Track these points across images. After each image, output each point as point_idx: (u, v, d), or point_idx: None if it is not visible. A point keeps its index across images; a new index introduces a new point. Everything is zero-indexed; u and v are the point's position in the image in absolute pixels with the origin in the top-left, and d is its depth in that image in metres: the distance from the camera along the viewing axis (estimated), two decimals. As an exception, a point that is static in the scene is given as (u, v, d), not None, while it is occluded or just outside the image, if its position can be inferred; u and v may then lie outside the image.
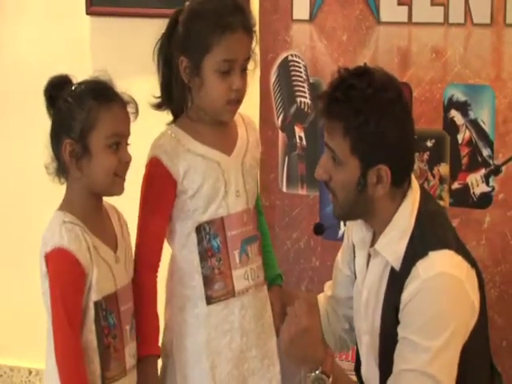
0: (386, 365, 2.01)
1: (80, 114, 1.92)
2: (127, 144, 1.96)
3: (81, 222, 1.92)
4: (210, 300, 2.03)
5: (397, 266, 1.98)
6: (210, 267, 2.02)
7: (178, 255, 2.05)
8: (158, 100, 2.06)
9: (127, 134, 1.96)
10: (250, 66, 2.04)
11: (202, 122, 2.03)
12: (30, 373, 3.28)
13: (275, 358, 2.12)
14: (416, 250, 1.96)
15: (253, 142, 2.11)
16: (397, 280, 1.97)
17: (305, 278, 2.77)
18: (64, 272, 1.90)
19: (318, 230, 2.26)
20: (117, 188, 1.95)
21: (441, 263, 1.95)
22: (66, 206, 1.95)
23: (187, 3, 2.06)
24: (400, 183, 1.99)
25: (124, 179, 1.96)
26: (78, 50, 3.04)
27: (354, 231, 2.15)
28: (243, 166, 2.06)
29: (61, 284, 1.90)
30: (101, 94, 1.93)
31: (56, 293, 1.89)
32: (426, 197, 2.05)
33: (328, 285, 2.29)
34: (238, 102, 2.01)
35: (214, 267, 2.02)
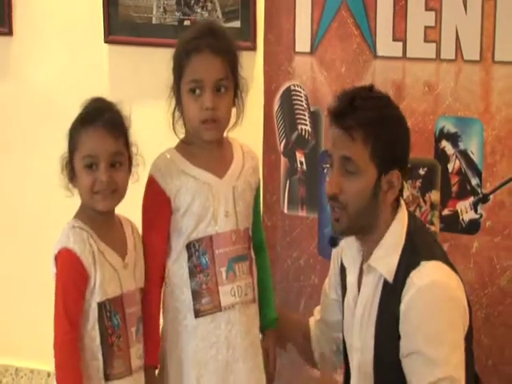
0: (381, 380, 2.05)
1: (71, 136, 2.02)
2: (116, 163, 2.00)
3: (89, 229, 2.01)
4: (198, 313, 2.07)
5: (390, 278, 2.02)
6: (198, 282, 2.07)
7: (170, 269, 2.10)
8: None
9: (105, 154, 1.99)
10: (239, 92, 2.07)
11: (196, 145, 2.09)
12: (49, 375, 3.31)
13: (262, 372, 2.15)
14: (408, 261, 2.01)
15: (248, 169, 2.14)
16: (392, 293, 2.02)
17: (304, 295, 2.79)
18: (67, 270, 1.99)
19: (333, 242, 2.25)
20: (97, 204, 2.02)
21: (433, 272, 2.00)
22: (79, 214, 2.05)
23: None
24: (402, 192, 2.08)
25: (109, 196, 2.00)
26: (96, 77, 3.09)
27: (343, 254, 2.19)
28: (235, 189, 2.10)
29: (63, 280, 1.99)
30: (84, 117, 2.02)
31: (58, 289, 1.98)
32: (411, 215, 2.12)
33: (317, 309, 2.34)
34: (214, 121, 2.04)
35: (202, 282, 2.07)
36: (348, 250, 2.15)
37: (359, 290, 2.11)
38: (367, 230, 2.08)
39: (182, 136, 2.13)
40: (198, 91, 2.02)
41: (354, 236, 2.12)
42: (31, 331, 3.28)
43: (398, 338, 2.00)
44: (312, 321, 2.32)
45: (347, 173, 2.02)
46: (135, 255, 2.07)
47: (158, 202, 2.07)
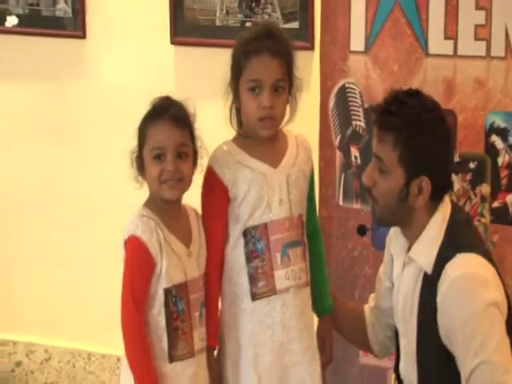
0: (423, 363, 2.11)
1: (140, 131, 2.11)
2: (182, 154, 2.07)
3: (157, 218, 2.08)
4: (254, 296, 2.14)
5: (429, 270, 2.07)
6: (254, 267, 2.14)
7: (228, 256, 2.17)
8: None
9: (171, 146, 2.07)
10: (295, 90, 2.13)
11: (252, 138, 2.16)
12: (118, 360, 3.36)
13: (316, 353, 2.21)
14: (445, 254, 2.05)
15: (302, 158, 2.21)
16: (430, 284, 2.06)
17: (358, 285, 2.84)
18: (134, 257, 2.07)
19: (362, 231, 2.35)
20: (164, 193, 2.09)
21: (467, 263, 2.03)
22: (147, 203, 2.13)
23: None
24: (437, 197, 2.09)
25: (175, 185, 2.07)
26: (163, 76, 3.17)
27: (392, 244, 2.25)
28: (289, 178, 2.16)
29: (130, 266, 2.07)
30: (152, 112, 2.10)
31: (126, 273, 2.07)
32: (455, 209, 2.14)
33: (372, 296, 2.38)
34: (271, 118, 2.11)
35: (258, 267, 2.14)
36: (396, 239, 2.20)
37: None
38: (403, 225, 2.12)
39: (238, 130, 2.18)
40: (256, 90, 2.09)
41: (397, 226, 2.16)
42: (103, 318, 3.30)
43: (437, 325, 2.04)
44: (367, 308, 2.37)
45: (379, 170, 2.08)
46: (199, 243, 2.14)
47: (216, 192, 2.14)
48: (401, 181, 2.05)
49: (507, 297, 2.08)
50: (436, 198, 2.09)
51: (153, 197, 2.12)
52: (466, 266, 2.02)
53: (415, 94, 2.10)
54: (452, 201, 2.16)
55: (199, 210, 2.18)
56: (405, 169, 2.05)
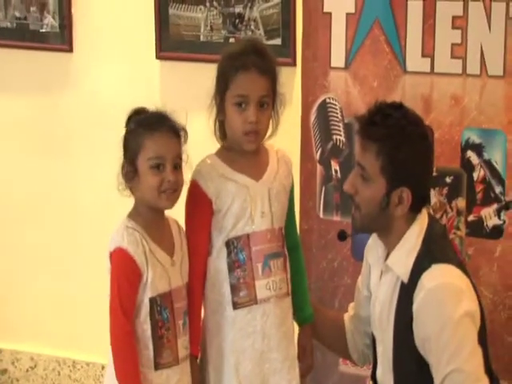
0: (399, 369, 2.15)
1: (132, 140, 2.11)
2: (177, 165, 2.10)
3: (141, 229, 2.10)
4: (236, 305, 2.17)
5: (406, 279, 2.10)
6: (236, 277, 2.17)
7: (211, 265, 2.20)
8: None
9: (170, 156, 2.09)
10: (277, 106, 2.17)
11: (236, 151, 2.19)
12: (103, 368, 3.38)
13: (295, 361, 2.24)
14: (422, 264, 2.09)
15: (283, 172, 2.24)
16: (406, 293, 2.09)
17: (338, 294, 2.87)
18: (121, 268, 2.08)
19: (342, 236, 2.38)
20: (163, 203, 2.11)
21: (443, 274, 2.07)
22: (131, 215, 2.14)
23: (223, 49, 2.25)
24: (416, 209, 2.13)
25: (171, 195, 2.10)
26: (149, 89, 3.19)
27: (370, 253, 2.29)
28: (270, 191, 2.20)
29: (118, 278, 2.08)
30: (148, 122, 2.12)
31: (114, 285, 2.08)
32: (432, 221, 2.18)
33: (351, 306, 2.42)
34: (256, 133, 2.15)
35: (239, 277, 2.17)
36: (373, 248, 2.24)
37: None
38: (382, 232, 2.16)
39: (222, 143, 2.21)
40: (243, 105, 2.12)
41: (375, 233, 2.20)
42: (88, 326, 3.38)
43: (413, 333, 2.08)
44: (346, 316, 2.40)
45: (362, 178, 2.11)
46: (181, 253, 2.17)
47: (200, 204, 2.17)
48: (382, 190, 2.09)
49: (481, 307, 2.12)
50: (415, 209, 2.13)
51: (138, 207, 2.13)
52: (442, 276, 2.06)
53: (399, 107, 2.14)
54: (429, 213, 2.20)
55: (181, 221, 2.20)
56: (386, 179, 2.08)
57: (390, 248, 2.16)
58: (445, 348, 2.02)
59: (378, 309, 2.20)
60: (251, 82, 2.12)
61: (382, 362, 2.20)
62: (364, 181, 2.10)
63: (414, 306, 2.05)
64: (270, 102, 2.16)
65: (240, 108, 2.12)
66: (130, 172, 2.10)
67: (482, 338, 2.10)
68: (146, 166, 2.09)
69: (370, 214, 2.12)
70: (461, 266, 2.13)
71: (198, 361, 2.23)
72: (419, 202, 2.13)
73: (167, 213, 2.18)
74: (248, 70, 2.11)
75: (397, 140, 2.06)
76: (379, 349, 2.22)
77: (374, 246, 2.25)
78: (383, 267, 2.18)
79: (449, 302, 2.04)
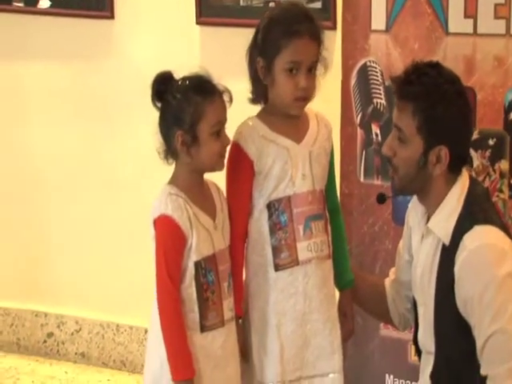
0: (440, 331, 2.12)
1: (188, 108, 2.08)
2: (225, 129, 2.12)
3: (184, 194, 2.10)
4: (277, 267, 2.17)
5: (447, 241, 2.08)
6: (277, 239, 2.16)
7: (252, 228, 2.20)
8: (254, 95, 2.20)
9: (226, 120, 2.12)
10: (320, 70, 2.15)
11: (276, 114, 2.18)
12: (146, 331, 3.24)
13: (337, 323, 2.23)
14: (463, 226, 2.06)
15: (323, 135, 2.23)
16: (448, 255, 2.07)
17: (379, 259, 2.84)
18: (167, 235, 2.09)
19: (381, 198, 2.35)
20: (220, 166, 2.14)
21: (485, 235, 2.04)
22: (173, 181, 2.14)
23: (267, 13, 2.22)
24: (455, 169, 2.10)
25: (225, 158, 2.13)
26: (189, 55, 3.18)
27: (410, 216, 2.26)
28: (311, 154, 2.19)
29: (164, 245, 2.08)
30: (203, 89, 2.10)
31: (160, 252, 2.09)
32: (473, 183, 2.15)
33: (392, 270, 2.40)
34: (305, 99, 2.15)
35: (281, 239, 2.16)
36: (414, 211, 2.22)
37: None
38: (422, 194, 2.13)
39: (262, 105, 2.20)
40: (294, 71, 2.11)
41: (416, 196, 2.17)
42: (131, 290, 3.41)
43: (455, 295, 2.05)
44: (387, 281, 2.38)
45: (399, 140, 2.09)
46: (223, 216, 2.17)
47: (241, 165, 2.16)
48: (419, 149, 2.06)
49: None
50: (454, 170, 2.10)
51: (180, 173, 2.12)
52: (484, 237, 2.03)
53: (435, 66, 2.11)
54: (470, 175, 2.17)
55: (221, 184, 2.20)
56: (423, 138, 2.06)
57: (430, 211, 2.13)
58: (487, 308, 1.99)
59: (419, 271, 2.17)
60: (304, 49, 2.11)
61: (424, 324, 2.19)
62: (401, 142, 2.08)
63: (456, 267, 2.03)
64: (317, 66, 2.15)
65: (291, 73, 2.11)
66: (188, 140, 2.08)
67: None
68: (209, 133, 2.08)
69: (408, 174, 2.09)
70: (504, 227, 2.09)
71: (241, 322, 2.23)
72: (458, 161, 2.10)
73: (206, 176, 2.18)
74: (302, 37, 2.10)
75: (433, 98, 2.04)
76: (420, 312, 2.20)
77: (414, 209, 2.22)
78: (424, 230, 2.15)
79: (491, 262, 2.01)
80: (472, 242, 2.02)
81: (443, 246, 2.09)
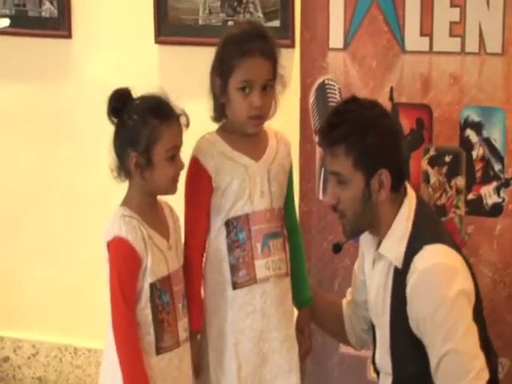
0: (396, 352, 2.12)
1: (144, 130, 2.05)
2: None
3: (138, 216, 2.07)
4: (235, 285, 2.15)
5: (399, 264, 2.07)
6: (235, 257, 2.14)
7: (210, 246, 2.18)
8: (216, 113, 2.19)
9: (181, 145, 2.10)
10: (277, 88, 2.14)
11: (235, 132, 2.17)
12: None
13: (294, 341, 2.21)
14: (413, 247, 2.05)
15: (282, 153, 2.22)
16: (400, 278, 2.06)
17: (338, 276, 2.84)
18: (121, 257, 2.05)
19: (336, 249, 2.34)
20: (173, 190, 2.11)
21: (434, 255, 2.04)
22: (126, 203, 2.11)
23: (224, 32, 2.21)
24: (397, 187, 2.10)
25: (178, 182, 2.10)
26: (148, 74, 3.16)
27: (362, 240, 2.26)
28: (270, 171, 2.18)
29: (118, 267, 2.05)
30: (161, 112, 2.07)
31: (114, 275, 2.05)
32: (420, 202, 2.15)
33: (349, 290, 2.39)
34: (260, 117, 2.14)
35: (239, 257, 2.14)
36: (365, 235, 2.20)
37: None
38: (373, 227, 2.13)
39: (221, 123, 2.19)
40: (247, 90, 2.10)
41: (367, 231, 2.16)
42: (89, 313, 3.35)
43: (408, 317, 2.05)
44: (344, 301, 2.38)
45: (339, 183, 2.09)
46: (176, 236, 2.15)
47: (200, 180, 2.14)
48: (361, 183, 2.07)
49: (475, 284, 2.09)
50: (397, 188, 2.09)
51: (133, 194, 2.09)
52: (433, 257, 2.03)
53: (353, 100, 2.13)
54: (417, 194, 2.17)
55: (175, 201, 2.17)
56: (362, 171, 2.06)
57: (381, 236, 2.13)
58: (440, 328, 1.99)
59: (372, 296, 2.17)
60: (256, 67, 2.10)
61: (380, 346, 2.18)
62: (342, 185, 2.08)
63: (408, 289, 2.03)
64: (273, 84, 2.14)
65: (244, 93, 2.10)
66: (142, 163, 2.05)
67: (478, 315, 2.08)
68: (163, 157, 2.05)
69: (356, 213, 2.09)
70: (453, 244, 2.09)
71: (198, 340, 2.20)
72: (398, 179, 2.10)
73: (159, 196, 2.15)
74: (253, 55, 2.09)
75: (360, 130, 2.05)
76: (377, 333, 2.20)
77: (366, 234, 2.21)
78: (375, 255, 2.15)
79: (441, 282, 2.01)
80: (422, 263, 2.01)
81: (395, 269, 2.08)
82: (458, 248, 2.10)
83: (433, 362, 2.02)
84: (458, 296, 2.00)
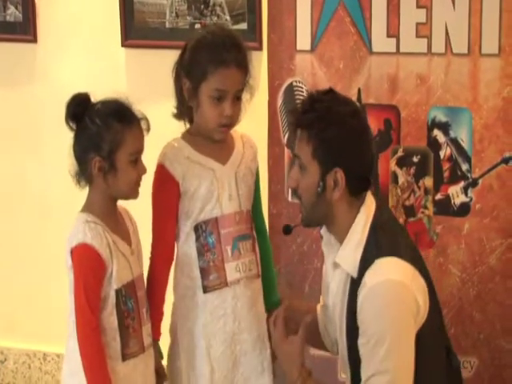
0: (353, 361, 2.06)
1: (107, 135, 2.01)
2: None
3: (101, 221, 2.03)
4: (206, 289, 2.12)
5: (354, 274, 2.00)
6: (206, 261, 2.12)
7: (180, 250, 2.15)
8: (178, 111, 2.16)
9: (143, 149, 2.07)
10: (245, 96, 2.12)
11: (201, 136, 2.14)
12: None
13: (266, 342, 2.19)
14: (367, 259, 1.99)
15: (248, 156, 2.20)
16: (354, 288, 2.00)
17: (308, 278, 2.82)
18: (86, 264, 2.01)
19: (286, 229, 2.26)
20: (135, 194, 2.07)
21: (385, 270, 1.96)
22: (88, 208, 2.06)
23: (195, 34, 2.18)
24: (356, 192, 2.03)
25: (140, 186, 2.07)
26: (115, 78, 3.12)
27: (323, 243, 2.18)
28: (237, 174, 2.15)
29: (83, 274, 2.01)
30: (123, 116, 2.03)
31: (79, 282, 2.01)
32: (380, 209, 2.06)
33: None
34: (229, 125, 2.12)
35: (209, 261, 2.12)
36: (326, 238, 2.15)
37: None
38: (328, 223, 2.07)
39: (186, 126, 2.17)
40: (220, 99, 2.07)
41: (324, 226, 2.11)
42: (57, 318, 3.13)
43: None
44: (318, 307, 2.32)
45: (300, 168, 2.04)
46: (136, 240, 2.12)
47: (167, 187, 2.11)
48: (316, 175, 2.01)
49: (434, 292, 2.02)
50: (355, 193, 2.03)
51: (94, 200, 2.05)
52: (382, 273, 1.96)
53: (329, 92, 2.08)
54: (377, 200, 2.09)
55: (137, 208, 2.14)
56: (319, 162, 2.00)
57: (340, 240, 2.06)
58: (374, 348, 1.93)
59: (331, 302, 2.13)
60: (230, 78, 2.07)
61: (341, 353, 2.13)
62: (302, 170, 2.03)
63: (358, 303, 1.98)
64: (242, 93, 2.12)
65: (216, 101, 2.07)
66: (105, 167, 2.01)
67: (435, 320, 2.01)
68: (127, 161, 2.02)
69: (310, 202, 2.03)
70: (410, 254, 2.01)
71: (169, 345, 2.18)
72: (358, 183, 2.02)
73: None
74: (229, 66, 2.06)
75: (325, 121, 2.00)
76: (337, 336, 2.14)
77: (325, 235, 2.15)
78: (332, 264, 2.08)
79: (386, 301, 1.94)
80: (371, 280, 1.95)
81: (352, 278, 2.02)
82: (415, 258, 2.02)
83: (363, 376, 1.97)
84: (399, 319, 1.94)
